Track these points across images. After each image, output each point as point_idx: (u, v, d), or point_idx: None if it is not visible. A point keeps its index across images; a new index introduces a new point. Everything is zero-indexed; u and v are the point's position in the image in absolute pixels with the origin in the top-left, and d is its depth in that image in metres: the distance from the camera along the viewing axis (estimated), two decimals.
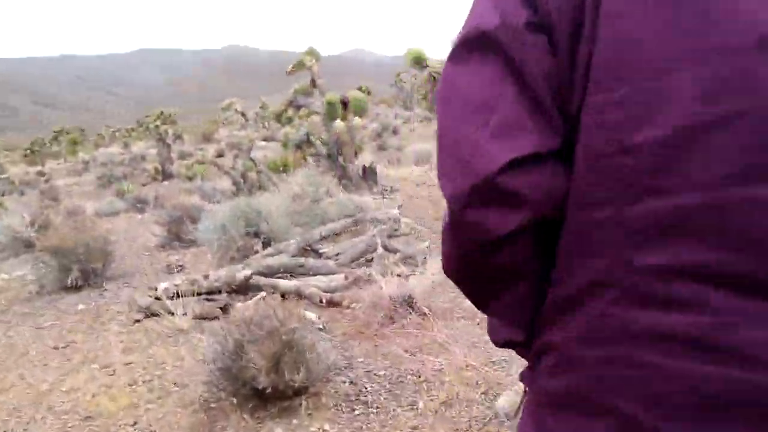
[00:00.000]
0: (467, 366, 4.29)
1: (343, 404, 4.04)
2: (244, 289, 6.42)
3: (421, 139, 27.38)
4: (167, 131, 26.73)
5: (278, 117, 14.18)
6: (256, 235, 7.53)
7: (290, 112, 13.74)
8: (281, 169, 17.00)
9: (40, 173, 32.74)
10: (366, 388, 4.26)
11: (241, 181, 15.60)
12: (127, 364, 5.03)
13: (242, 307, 4.92)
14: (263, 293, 5.87)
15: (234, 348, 3.71)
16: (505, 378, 4.15)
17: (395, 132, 33.16)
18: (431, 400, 4.05)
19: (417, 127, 35.54)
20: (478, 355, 4.53)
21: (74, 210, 14.38)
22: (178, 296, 6.49)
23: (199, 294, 6.48)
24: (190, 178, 20.67)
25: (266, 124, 31.82)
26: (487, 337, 1.15)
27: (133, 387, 4.62)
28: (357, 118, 11.97)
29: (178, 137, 29.31)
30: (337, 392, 4.16)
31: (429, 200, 10.73)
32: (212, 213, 7.79)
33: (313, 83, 12.77)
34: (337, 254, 7.23)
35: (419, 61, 9.04)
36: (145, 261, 8.78)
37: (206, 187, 15.93)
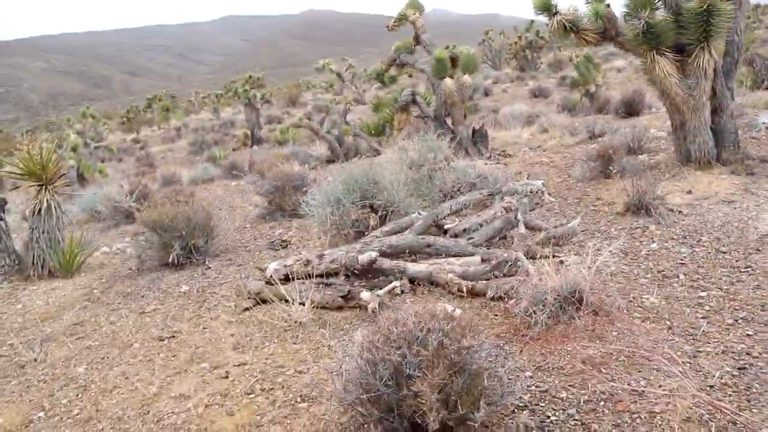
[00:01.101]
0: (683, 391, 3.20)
1: None
2: (366, 272, 5.54)
3: (515, 99, 25.74)
4: (255, 95, 26.35)
5: (380, 76, 13.16)
6: (372, 208, 6.62)
7: (393, 71, 12.70)
8: (373, 132, 16.09)
9: (136, 140, 33.44)
10: (549, 418, 3.27)
11: (337, 146, 14.79)
12: (241, 365, 4.27)
13: (389, 312, 4.00)
14: (396, 282, 4.96)
15: (392, 373, 2.79)
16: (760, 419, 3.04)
17: (487, 93, 31.51)
18: None
19: (509, 87, 33.64)
20: (689, 378, 3.43)
21: (170, 177, 14.06)
22: (289, 279, 5.74)
23: (310, 276, 5.69)
24: (281, 143, 20.14)
25: (357, 85, 30.90)
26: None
27: (252, 397, 3.85)
28: (466, 75, 10.77)
29: (266, 101, 28.93)
30: (513, 423, 3.19)
31: (551, 166, 9.49)
32: (323, 183, 6.92)
33: (417, 39, 11.63)
34: (464, 230, 6.22)
35: (548, 8, 7.71)
36: (248, 235, 8.11)
37: (300, 152, 15.24)
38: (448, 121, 11.17)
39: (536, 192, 5.83)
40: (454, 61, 10.94)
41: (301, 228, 8.05)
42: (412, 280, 5.47)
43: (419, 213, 6.39)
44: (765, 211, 5.94)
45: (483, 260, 5.62)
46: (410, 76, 36.37)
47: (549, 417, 3.29)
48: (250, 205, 10.15)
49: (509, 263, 5.18)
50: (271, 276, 5.83)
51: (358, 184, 6.59)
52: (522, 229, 5.81)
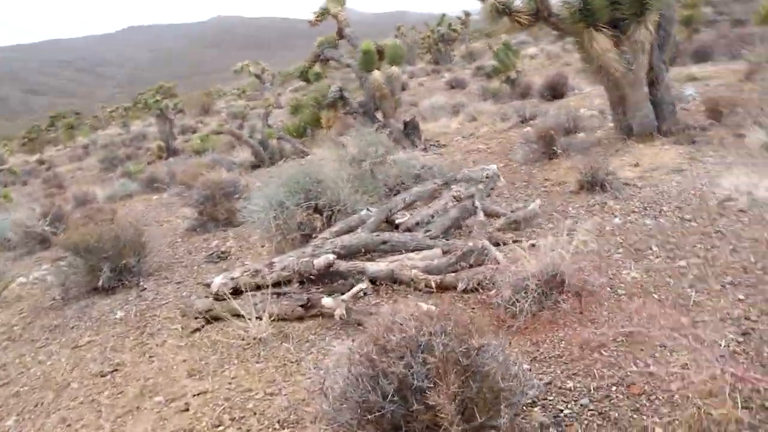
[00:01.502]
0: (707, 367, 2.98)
1: None
2: (322, 277, 5.11)
3: (432, 92, 25.77)
4: (167, 105, 25.11)
5: (304, 74, 12.64)
6: (317, 209, 6.18)
7: (317, 67, 12.21)
8: (294, 135, 15.56)
9: (40, 161, 31.25)
10: (562, 412, 2.97)
11: (262, 150, 14.17)
12: (202, 394, 3.76)
13: (380, 316, 3.61)
14: (362, 285, 4.55)
15: (397, 387, 2.40)
16: None
17: (404, 88, 31.43)
18: (669, 424, 2.76)
19: (425, 81, 33.77)
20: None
21: (84, 197, 13.00)
22: (238, 292, 5.22)
23: (261, 287, 5.21)
24: (199, 152, 19.19)
25: (274, 89, 30.06)
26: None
27: (221, 430, 3.34)
28: (394, 67, 10.48)
29: (179, 111, 27.66)
30: (529, 424, 2.87)
31: (489, 152, 9.34)
32: (263, 186, 6.43)
33: (340, 33, 11.23)
34: (417, 223, 5.88)
35: None
36: (181, 249, 7.46)
37: (222, 160, 14.49)
38: (378, 115, 10.84)
39: (491, 177, 5.58)
40: (380, 53, 10.61)
41: (239, 237, 7.49)
42: (373, 281, 5.08)
43: (368, 210, 6.01)
44: (716, 176, 5.94)
45: (444, 252, 5.31)
46: (325, 76, 35.82)
47: (562, 411, 3.00)
48: (178, 218, 9.44)
49: (476, 252, 4.88)
50: (217, 291, 5.29)
51: (300, 184, 6.13)
52: (481, 216, 5.53)
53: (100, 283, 5.79)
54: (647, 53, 7.01)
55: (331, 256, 4.93)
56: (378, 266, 5.08)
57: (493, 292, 4.24)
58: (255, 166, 13.80)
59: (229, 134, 14.54)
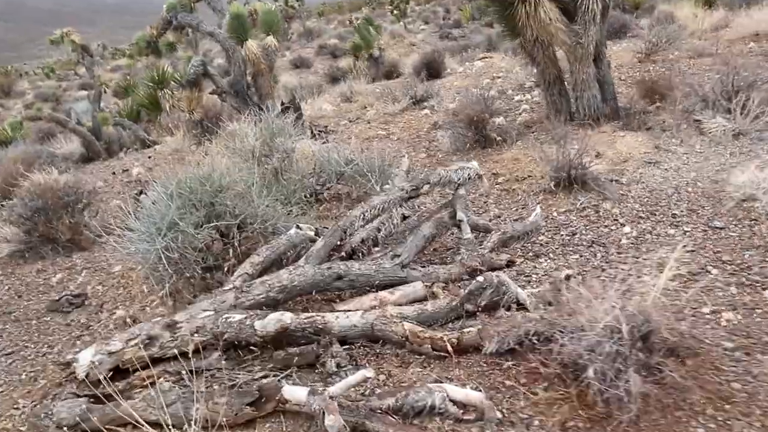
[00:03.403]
0: None
1: None
2: (265, 343, 3.27)
3: (281, 71, 23.66)
4: None
5: (152, 45, 10.04)
6: (221, 233, 4.25)
7: (170, 36, 9.75)
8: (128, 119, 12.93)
9: None
10: None
11: (94, 139, 11.31)
12: None
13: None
14: (366, 372, 2.77)
15: None
16: None
17: None
18: None
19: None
20: None
21: None
22: (124, 373, 3.22)
23: (155, 360, 3.31)
24: (4, 143, 15.38)
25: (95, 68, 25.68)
26: None
27: None
28: (270, 36, 8.50)
29: None
30: None
31: (396, 140, 7.86)
32: (144, 202, 4.34)
33: None
34: (362, 241, 4.22)
35: None
36: (3, 289, 5.03)
37: (42, 152, 11.38)
38: (254, 94, 8.82)
39: (474, 178, 4.10)
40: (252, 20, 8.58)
41: (93, 266, 5.24)
42: (342, 341, 3.35)
43: (297, 228, 4.20)
44: (703, 169, 5.01)
45: (428, 287, 3.75)
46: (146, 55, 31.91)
47: None
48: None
49: (489, 290, 3.37)
50: (88, 375, 3.25)
51: (197, 196, 4.14)
52: (467, 232, 4.01)
53: None
54: (597, 24, 5.93)
55: (287, 317, 3.10)
56: (348, 319, 3.35)
57: (556, 353, 2.74)
58: (87, 160, 10.95)
59: (50, 121, 11.40)
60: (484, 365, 3.04)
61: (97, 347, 3.37)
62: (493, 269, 3.96)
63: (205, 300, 3.61)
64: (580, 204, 4.71)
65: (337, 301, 3.93)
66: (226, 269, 4.24)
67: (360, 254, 4.27)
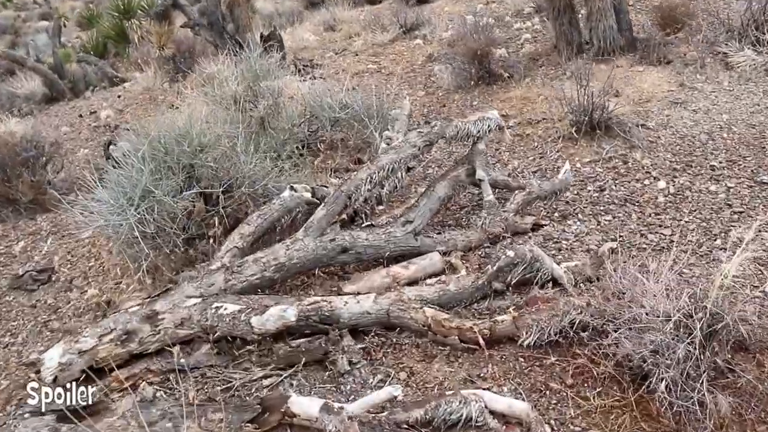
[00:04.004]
0: None
1: None
2: (272, 336, 2.78)
3: None
4: None
5: None
6: (205, 198, 3.68)
7: None
8: (92, 54, 11.93)
9: None
10: None
11: (57, 77, 10.36)
12: None
13: None
14: (393, 390, 2.28)
15: None
16: None
17: None
18: None
19: None
20: None
21: None
22: (98, 372, 2.73)
23: (135, 356, 2.84)
24: None
25: None
26: None
27: None
28: None
29: None
30: None
31: (390, 75, 7.17)
32: (114, 154, 3.73)
33: None
34: (366, 200, 3.68)
35: None
36: None
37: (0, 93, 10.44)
38: (230, 26, 7.96)
39: (494, 130, 3.52)
40: None
41: (61, 230, 4.66)
42: (353, 330, 2.88)
43: (292, 189, 3.63)
44: (735, 111, 4.50)
45: (444, 254, 3.27)
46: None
47: None
48: None
49: (520, 266, 2.89)
50: (56, 378, 2.76)
51: (174, 156, 3.53)
52: (489, 193, 3.48)
53: None
54: None
55: (290, 313, 2.59)
56: (359, 305, 2.86)
57: (608, 348, 2.30)
58: (51, 100, 10.05)
59: (5, 59, 10.37)
60: (522, 360, 2.60)
61: (66, 346, 2.86)
62: (517, 234, 3.48)
63: (190, 283, 3.08)
64: (606, 153, 4.18)
65: (341, 273, 3.44)
66: (211, 238, 3.70)
67: (363, 215, 3.75)
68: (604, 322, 2.50)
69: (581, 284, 2.91)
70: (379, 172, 3.35)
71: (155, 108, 7.60)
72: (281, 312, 2.56)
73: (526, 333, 2.63)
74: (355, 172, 3.42)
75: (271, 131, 4.59)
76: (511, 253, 2.93)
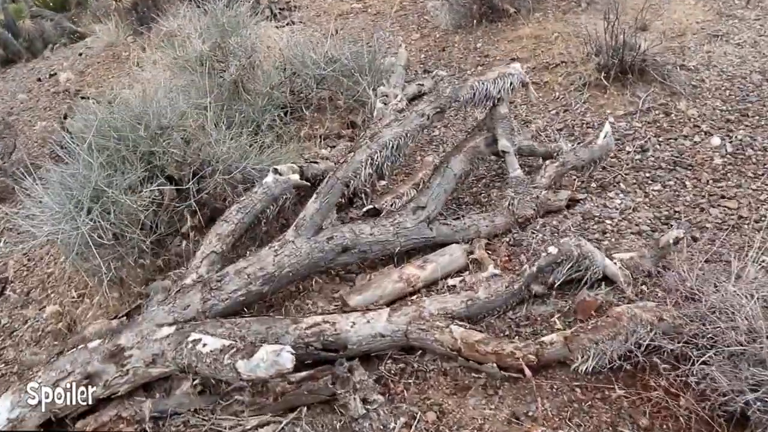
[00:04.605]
0: None
1: None
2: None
3: None
4: None
5: None
6: (174, 182, 3.07)
7: None
8: (52, 6, 10.93)
9: None
10: None
11: (11, 37, 9.39)
12: None
13: None
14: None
15: None
16: None
17: None
18: None
19: None
20: None
21: None
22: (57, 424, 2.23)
23: (103, 401, 2.32)
24: None
25: None
26: None
27: None
28: None
29: None
30: None
31: (375, 15, 6.37)
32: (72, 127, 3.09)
33: None
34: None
35: None
36: None
37: None
38: None
39: (518, 87, 2.88)
40: None
41: (17, 229, 4.01)
42: (363, 356, 2.35)
43: (275, 172, 3.01)
44: None
45: (467, 242, 2.71)
46: None
47: None
48: None
49: (565, 264, 2.33)
50: None
51: (128, 143, 2.90)
52: (516, 167, 2.87)
53: None
54: None
55: (285, 358, 2.01)
56: (369, 326, 2.32)
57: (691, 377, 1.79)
58: (7, 62, 9.14)
59: None
60: (579, 392, 2.08)
61: (15, 397, 2.32)
62: (549, 213, 2.90)
63: (161, 306, 2.51)
64: (643, 103, 3.55)
65: (343, 273, 2.87)
66: (184, 236, 3.12)
67: (363, 195, 3.16)
68: (682, 343, 1.97)
69: (640, 282, 2.37)
70: (381, 152, 2.73)
71: (119, 67, 6.83)
72: (274, 357, 2.00)
73: (582, 356, 2.10)
74: (352, 153, 2.78)
75: (247, 97, 3.91)
76: (553, 250, 2.36)
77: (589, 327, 2.13)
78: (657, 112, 3.47)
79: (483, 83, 2.82)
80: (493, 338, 2.22)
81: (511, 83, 2.87)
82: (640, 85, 3.69)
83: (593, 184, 3.08)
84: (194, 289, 2.54)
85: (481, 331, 2.27)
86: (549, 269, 2.38)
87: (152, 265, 2.98)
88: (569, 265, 2.36)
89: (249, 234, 3.07)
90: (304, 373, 2.26)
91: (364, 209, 3.04)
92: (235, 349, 2.13)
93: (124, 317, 2.76)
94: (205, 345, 2.24)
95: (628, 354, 2.04)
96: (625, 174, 3.08)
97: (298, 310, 2.70)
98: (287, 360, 1.99)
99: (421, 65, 4.92)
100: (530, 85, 3.03)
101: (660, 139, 3.27)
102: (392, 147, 2.73)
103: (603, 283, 2.40)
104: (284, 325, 2.36)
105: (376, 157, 2.72)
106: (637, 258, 2.43)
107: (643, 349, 2.02)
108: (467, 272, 2.70)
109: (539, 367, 2.15)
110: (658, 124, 3.38)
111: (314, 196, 2.74)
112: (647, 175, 3.04)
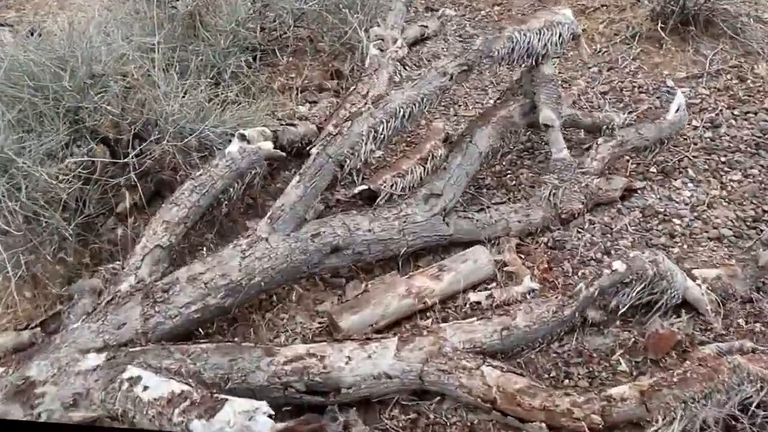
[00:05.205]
0: None
1: None
2: None
3: None
4: None
5: None
6: (108, 144, 2.56)
7: None
8: None
9: None
10: None
11: None
12: None
13: None
14: None
15: None
16: None
17: None
18: None
19: None
20: None
21: None
22: None
23: None
24: None
25: None
26: None
27: None
28: None
29: None
30: None
31: None
32: None
33: None
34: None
35: None
36: None
37: None
38: None
39: (568, 40, 2.41)
40: None
41: None
42: (355, 404, 1.93)
43: (242, 136, 2.50)
44: None
45: (492, 243, 2.28)
46: None
47: None
48: None
49: (636, 285, 1.92)
50: None
51: (48, 96, 2.37)
52: (561, 146, 2.42)
53: None
54: None
55: (263, 427, 1.56)
56: (371, 362, 1.89)
57: None
58: None
59: None
60: None
61: None
62: (599, 205, 2.48)
63: (87, 322, 2.04)
64: (710, 64, 3.10)
65: (329, 278, 2.41)
66: (121, 217, 2.64)
67: (354, 172, 2.68)
68: None
69: (734, 312, 1.97)
70: (388, 122, 2.23)
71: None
72: (244, 421, 1.55)
73: (664, 418, 1.70)
74: (349, 122, 2.28)
75: (206, 35, 3.35)
76: (621, 267, 1.94)
77: (675, 379, 1.74)
78: (729, 76, 3.04)
79: (525, 34, 2.32)
80: (541, 388, 1.81)
81: (560, 35, 2.38)
82: (706, 41, 3.24)
83: (653, 169, 2.65)
84: (132, 301, 2.06)
85: (522, 374, 1.86)
86: (612, 290, 1.97)
87: (77, 258, 2.48)
88: (640, 287, 1.94)
89: (206, 217, 2.58)
90: (280, 426, 1.83)
91: (356, 190, 2.53)
92: (189, 402, 1.67)
93: (38, 327, 2.31)
94: (146, 389, 1.78)
95: (729, 420, 1.65)
96: (693, 157, 2.66)
97: (270, 327, 2.26)
98: (264, 427, 1.54)
99: (423, 2, 4.40)
100: (582, 37, 2.54)
101: (735, 112, 2.84)
102: (403, 116, 2.23)
103: (682, 309, 2.00)
104: (254, 357, 1.92)
105: (381, 129, 2.23)
106: (727, 277, 2.02)
107: (749, 412, 1.64)
108: (494, 283, 2.27)
109: (605, 430, 1.75)
110: (731, 93, 2.95)
111: (297, 178, 2.25)
112: (722, 159, 2.62)
